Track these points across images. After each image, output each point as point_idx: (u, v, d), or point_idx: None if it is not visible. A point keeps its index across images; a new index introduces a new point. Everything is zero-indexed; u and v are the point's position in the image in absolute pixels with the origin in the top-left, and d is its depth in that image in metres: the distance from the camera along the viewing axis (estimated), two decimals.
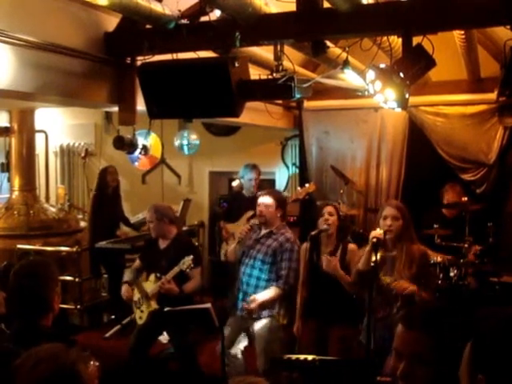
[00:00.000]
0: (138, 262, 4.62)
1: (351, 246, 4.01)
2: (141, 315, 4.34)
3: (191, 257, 4.14)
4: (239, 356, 4.14)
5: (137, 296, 4.36)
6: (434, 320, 1.76)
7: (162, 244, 4.45)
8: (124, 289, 4.41)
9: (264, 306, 3.97)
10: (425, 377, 1.69)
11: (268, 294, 3.98)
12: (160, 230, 4.41)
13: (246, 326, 4.13)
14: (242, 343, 4.15)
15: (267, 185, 7.13)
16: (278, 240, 4.06)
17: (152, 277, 4.30)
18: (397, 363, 1.72)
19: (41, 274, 2.45)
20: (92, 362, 1.66)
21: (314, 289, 3.96)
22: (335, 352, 3.80)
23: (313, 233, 3.90)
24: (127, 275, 4.59)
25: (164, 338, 5.08)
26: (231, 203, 6.25)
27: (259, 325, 4.05)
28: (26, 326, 2.37)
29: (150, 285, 4.29)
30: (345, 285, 3.80)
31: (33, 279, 2.41)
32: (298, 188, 5.72)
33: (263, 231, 4.14)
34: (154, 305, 4.25)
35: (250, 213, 5.10)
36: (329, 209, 4.02)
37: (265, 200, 4.09)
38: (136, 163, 5.03)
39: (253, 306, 3.89)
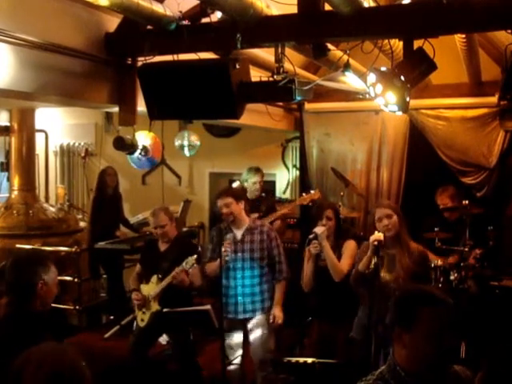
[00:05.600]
0: (138, 267, 4.56)
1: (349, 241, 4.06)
2: (143, 317, 4.32)
3: (195, 256, 4.13)
4: (238, 362, 4.13)
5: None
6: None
7: (162, 246, 4.42)
8: (134, 295, 4.35)
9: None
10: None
11: (279, 294, 4.09)
12: (171, 232, 4.38)
13: (243, 325, 4.14)
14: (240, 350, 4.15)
15: (268, 186, 7.12)
16: (262, 232, 4.11)
17: (154, 278, 4.28)
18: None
19: (27, 258, 2.56)
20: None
21: (321, 291, 3.97)
22: (342, 354, 3.80)
23: (310, 236, 3.91)
24: (132, 283, 4.51)
25: (163, 339, 5.07)
26: None
27: (255, 321, 4.10)
28: (14, 310, 2.42)
29: (153, 286, 4.27)
30: (333, 271, 3.84)
31: (17, 262, 2.53)
32: (304, 194, 5.66)
33: (239, 232, 4.11)
34: (155, 306, 4.24)
35: (255, 215, 5.04)
36: (327, 213, 4.01)
37: (223, 201, 4.03)
38: (152, 164, 5.03)
39: (280, 321, 4.02)
